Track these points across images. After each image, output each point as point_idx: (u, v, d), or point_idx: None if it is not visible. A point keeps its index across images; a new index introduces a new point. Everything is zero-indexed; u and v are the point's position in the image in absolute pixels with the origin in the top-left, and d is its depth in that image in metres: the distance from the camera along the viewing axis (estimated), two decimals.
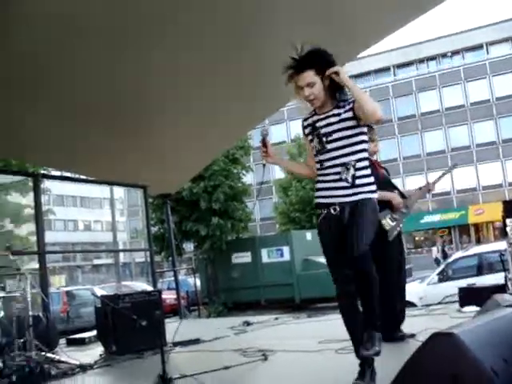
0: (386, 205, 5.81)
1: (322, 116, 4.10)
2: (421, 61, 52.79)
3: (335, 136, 4.03)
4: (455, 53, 51.35)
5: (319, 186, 4.22)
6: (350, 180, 4.03)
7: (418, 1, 6.63)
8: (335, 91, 4.04)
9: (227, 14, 5.96)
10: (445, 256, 32.16)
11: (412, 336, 5.71)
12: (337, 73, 3.88)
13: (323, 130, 4.08)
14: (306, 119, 4.23)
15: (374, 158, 6.19)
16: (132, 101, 7.47)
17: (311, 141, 4.16)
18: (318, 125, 4.12)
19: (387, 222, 5.82)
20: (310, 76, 3.94)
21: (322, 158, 4.12)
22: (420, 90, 50.69)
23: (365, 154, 4.09)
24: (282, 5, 5.95)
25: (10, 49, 5.76)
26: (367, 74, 54.04)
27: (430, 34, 76.54)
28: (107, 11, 5.62)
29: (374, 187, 4.13)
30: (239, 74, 6.78)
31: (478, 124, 47.66)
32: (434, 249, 38.91)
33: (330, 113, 4.07)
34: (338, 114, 4.02)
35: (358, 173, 4.05)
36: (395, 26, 7.11)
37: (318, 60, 3.96)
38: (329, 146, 4.06)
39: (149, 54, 6.52)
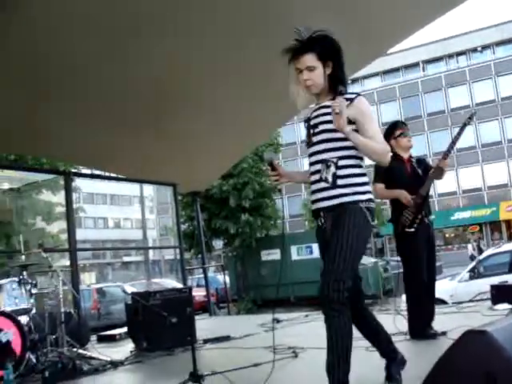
0: (398, 202, 5.84)
1: (316, 107, 3.77)
2: (450, 56, 52.33)
3: (320, 128, 3.66)
4: (485, 47, 50.77)
5: (311, 187, 3.77)
6: (330, 179, 3.57)
7: None
8: (336, 82, 3.68)
9: (254, 14, 5.97)
10: (480, 253, 31.78)
11: (443, 334, 5.66)
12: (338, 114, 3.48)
13: (312, 122, 3.73)
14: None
15: (408, 153, 6.16)
16: (161, 100, 7.50)
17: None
18: (310, 115, 3.78)
19: (404, 219, 5.80)
20: (310, 59, 3.59)
21: (308, 152, 3.76)
22: (450, 85, 50.23)
23: (351, 152, 3.61)
24: (311, 5, 5.93)
25: (35, 50, 5.83)
26: (396, 70, 53.74)
27: (459, 28, 75.75)
28: (132, 11, 5.66)
29: (363, 188, 3.63)
30: (267, 73, 6.76)
31: (509, 119, 47.12)
32: (469, 246, 38.33)
33: (324, 104, 3.71)
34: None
35: (341, 172, 3.57)
36: (424, 21, 7.05)
37: (322, 44, 3.62)
38: (314, 139, 3.70)
39: (177, 52, 6.54)
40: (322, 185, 3.61)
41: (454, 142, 6.02)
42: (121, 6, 5.51)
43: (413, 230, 5.77)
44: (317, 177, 3.65)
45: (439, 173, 5.91)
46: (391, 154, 6.11)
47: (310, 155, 3.72)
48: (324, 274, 3.47)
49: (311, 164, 3.73)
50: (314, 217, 3.74)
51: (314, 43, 3.61)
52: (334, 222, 3.57)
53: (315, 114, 3.73)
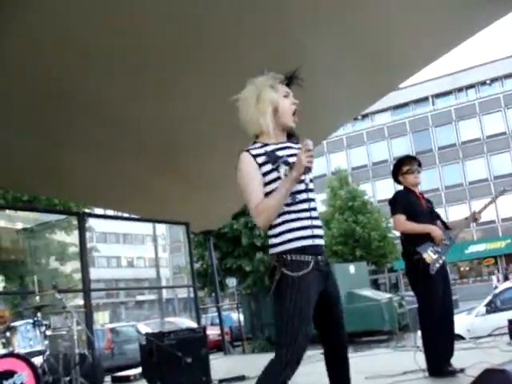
0: (427, 237, 5.74)
1: (281, 146, 3.48)
2: (459, 89, 52.56)
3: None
4: (494, 80, 51.01)
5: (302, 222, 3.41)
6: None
7: (457, 29, 6.61)
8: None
9: (268, 53, 6.02)
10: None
11: (462, 371, 5.56)
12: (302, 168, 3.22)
13: (289, 160, 3.39)
14: (253, 149, 3.48)
15: (417, 189, 6.12)
16: (174, 140, 7.55)
17: (274, 170, 3.38)
18: (281, 153, 3.43)
19: (428, 256, 5.69)
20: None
21: (300, 188, 3.40)
22: (460, 118, 50.38)
23: None
24: (324, 43, 5.97)
25: (48, 88, 5.88)
26: (406, 104, 53.97)
27: (468, 62, 76.15)
28: (146, 49, 5.73)
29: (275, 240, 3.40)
30: None
31: None
32: (494, 277, 37.73)
33: (293, 145, 3.51)
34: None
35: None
36: (435, 56, 7.10)
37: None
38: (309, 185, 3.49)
39: (190, 91, 6.59)
40: (320, 223, 3.49)
41: (491, 202, 6.08)
42: (142, 42, 5.57)
43: (435, 269, 5.66)
44: (312, 214, 3.43)
45: (469, 224, 5.97)
46: (402, 188, 6.16)
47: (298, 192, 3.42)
48: (340, 321, 3.51)
49: (305, 201, 3.42)
50: (311, 253, 3.36)
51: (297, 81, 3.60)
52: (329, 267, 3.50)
53: (290, 152, 3.46)
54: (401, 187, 6.22)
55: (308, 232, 3.37)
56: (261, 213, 3.31)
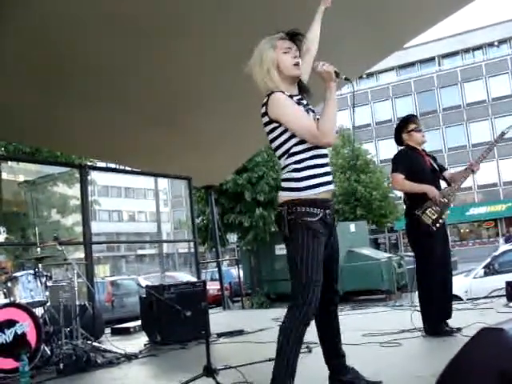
0: (425, 197, 5.73)
1: (299, 97, 3.68)
2: (466, 50, 51.99)
3: None
4: (502, 42, 50.40)
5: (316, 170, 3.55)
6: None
7: None
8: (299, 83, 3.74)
9: (267, 12, 5.95)
10: None
11: (458, 330, 5.62)
12: (330, 73, 3.43)
13: (312, 108, 3.67)
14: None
15: (421, 148, 6.10)
16: (176, 95, 7.51)
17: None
18: (303, 102, 3.66)
19: (427, 216, 5.69)
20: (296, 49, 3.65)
21: None
22: (465, 80, 49.93)
23: None
24: None
25: (50, 46, 5.86)
26: (412, 64, 53.50)
27: (476, 23, 75.15)
28: (150, 11, 5.67)
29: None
30: None
31: None
32: (501, 240, 37.48)
33: (304, 98, 3.72)
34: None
35: None
36: (441, 15, 7.01)
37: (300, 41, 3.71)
38: None
39: (190, 51, 6.56)
40: (330, 170, 3.64)
41: (489, 149, 5.97)
42: (142, 6, 5.52)
43: (435, 228, 5.69)
44: (327, 160, 3.62)
45: (468, 175, 5.89)
46: (404, 146, 6.12)
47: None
48: (335, 275, 3.74)
49: (324, 155, 3.60)
50: (321, 207, 3.50)
51: (300, 37, 3.70)
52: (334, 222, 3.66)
53: (306, 102, 3.69)
54: (400, 148, 6.22)
55: (327, 179, 3.55)
56: (328, 130, 3.43)
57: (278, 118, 3.49)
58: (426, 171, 5.87)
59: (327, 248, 3.56)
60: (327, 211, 3.52)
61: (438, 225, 5.68)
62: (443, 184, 6.01)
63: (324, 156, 3.58)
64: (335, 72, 3.42)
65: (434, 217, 5.67)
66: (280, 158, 3.61)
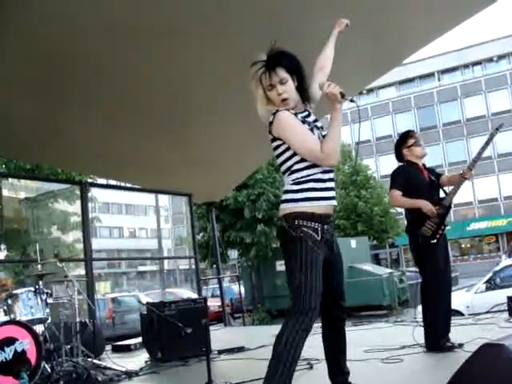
0: (418, 212, 5.74)
1: (305, 114, 3.66)
2: (466, 66, 52.16)
3: None
4: (501, 57, 50.60)
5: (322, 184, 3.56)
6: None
7: (465, 4, 6.54)
8: (305, 93, 3.72)
9: (268, 26, 5.97)
10: None
11: (460, 346, 5.59)
12: (336, 95, 3.39)
13: (318, 125, 3.65)
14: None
15: (421, 162, 6.12)
16: (177, 111, 7.54)
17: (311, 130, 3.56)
18: (308, 120, 3.63)
19: (426, 229, 5.71)
20: (282, 72, 3.54)
21: None
22: (465, 95, 50.07)
23: None
24: (326, 15, 5.92)
25: (51, 61, 5.86)
26: (412, 80, 53.67)
27: (475, 39, 75.56)
28: (151, 24, 5.69)
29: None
30: None
31: None
32: (503, 256, 37.15)
33: (310, 111, 3.73)
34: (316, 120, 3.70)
35: None
36: (441, 31, 7.04)
37: (287, 58, 3.60)
38: None
39: (191, 65, 6.57)
40: (332, 185, 3.61)
41: (480, 153, 5.93)
42: (142, 7, 5.53)
43: (435, 241, 5.70)
44: (332, 176, 3.60)
45: (461, 183, 5.86)
46: (405, 162, 6.13)
47: None
48: (340, 291, 3.68)
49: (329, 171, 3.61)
50: (319, 221, 3.47)
51: (280, 58, 3.59)
52: (333, 238, 3.65)
53: (313, 118, 3.68)
54: (399, 164, 6.23)
55: (327, 194, 3.53)
56: (331, 153, 3.43)
57: (281, 137, 3.51)
58: (424, 186, 5.88)
59: (330, 263, 3.55)
60: (325, 226, 3.50)
61: (437, 236, 5.70)
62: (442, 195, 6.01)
63: (328, 172, 3.56)
64: (341, 93, 3.41)
65: (433, 229, 5.69)
66: (283, 173, 3.62)
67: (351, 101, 3.47)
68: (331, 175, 3.60)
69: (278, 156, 3.60)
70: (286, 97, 3.57)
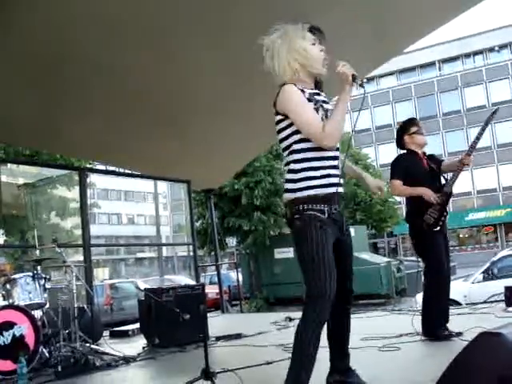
0: (424, 200, 5.74)
1: (314, 91, 3.64)
2: (467, 55, 52.04)
3: None
4: (503, 47, 50.48)
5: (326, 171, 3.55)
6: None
7: None
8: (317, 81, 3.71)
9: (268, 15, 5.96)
10: None
11: (458, 335, 5.59)
12: (348, 76, 3.41)
13: (325, 106, 3.60)
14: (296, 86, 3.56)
15: (422, 150, 6.12)
16: (176, 99, 7.52)
17: (316, 110, 3.53)
18: (317, 98, 3.61)
19: (429, 217, 5.72)
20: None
21: None
22: (466, 85, 49.98)
23: None
24: (327, 3, 5.91)
25: (51, 49, 5.86)
26: (412, 68, 53.56)
27: (477, 28, 75.26)
28: (162, 12, 5.68)
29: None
30: None
31: None
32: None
33: (322, 93, 3.69)
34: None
35: None
36: (442, 20, 7.01)
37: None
38: None
39: (190, 55, 6.56)
40: (339, 172, 3.59)
41: (478, 138, 5.90)
42: (142, 4, 5.53)
43: (438, 228, 5.72)
44: (336, 163, 3.58)
45: (461, 169, 5.86)
46: (405, 150, 6.13)
47: None
48: (349, 273, 3.87)
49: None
50: (324, 203, 3.47)
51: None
52: (343, 218, 3.65)
53: (322, 98, 3.65)
54: (400, 152, 6.23)
55: (327, 180, 3.50)
56: (331, 133, 3.40)
57: (284, 111, 3.49)
58: (424, 174, 5.88)
59: (339, 245, 3.58)
60: (332, 206, 3.50)
61: (440, 223, 5.73)
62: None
63: (327, 158, 3.53)
64: (353, 75, 3.41)
65: (435, 216, 5.69)
66: (283, 151, 3.63)
67: (361, 85, 3.47)
68: (332, 162, 3.55)
69: (279, 132, 3.59)
70: (325, 57, 3.58)
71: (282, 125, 3.54)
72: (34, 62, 6.00)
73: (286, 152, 3.56)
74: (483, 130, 5.80)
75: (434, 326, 5.66)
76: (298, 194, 3.46)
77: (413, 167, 5.87)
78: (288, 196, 3.53)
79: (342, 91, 3.46)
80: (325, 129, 3.39)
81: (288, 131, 3.52)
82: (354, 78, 3.41)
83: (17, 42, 5.56)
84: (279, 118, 3.55)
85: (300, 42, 3.54)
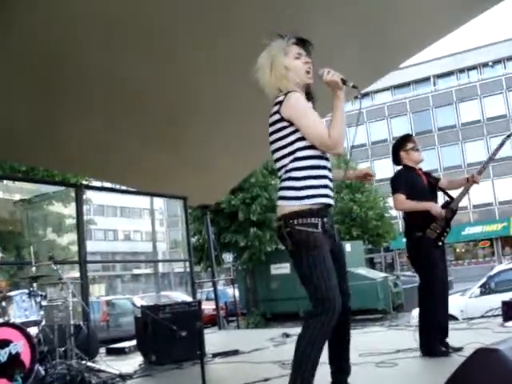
0: (428, 215, 5.72)
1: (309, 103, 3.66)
2: (461, 70, 52.32)
3: None
4: (497, 62, 50.78)
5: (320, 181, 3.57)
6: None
7: (461, 10, 6.55)
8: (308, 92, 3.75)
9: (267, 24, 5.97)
10: None
11: (458, 350, 5.57)
12: (337, 82, 3.47)
13: None
14: None
15: (418, 166, 6.13)
16: (172, 114, 7.51)
17: None
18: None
19: (431, 231, 5.72)
20: (310, 52, 3.69)
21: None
22: (460, 99, 50.18)
23: None
24: (325, 19, 5.93)
25: (47, 62, 5.86)
26: (407, 84, 53.76)
27: (471, 43, 75.75)
28: (147, 25, 5.69)
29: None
30: None
31: None
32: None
33: (313, 104, 3.70)
34: None
35: None
36: (437, 36, 7.05)
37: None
38: None
39: (188, 67, 6.56)
40: (330, 183, 3.60)
41: (490, 158, 5.97)
42: (142, 8, 5.54)
43: (440, 243, 5.72)
44: (329, 174, 3.60)
45: (470, 187, 5.89)
46: (401, 166, 6.15)
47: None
48: (346, 288, 3.80)
49: (327, 158, 3.64)
50: (317, 216, 3.46)
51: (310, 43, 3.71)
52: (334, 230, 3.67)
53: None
54: (397, 168, 6.24)
55: (325, 190, 3.53)
56: (338, 138, 3.44)
57: (291, 118, 3.49)
58: (425, 190, 5.89)
59: (333, 254, 3.56)
60: (325, 219, 3.50)
61: (442, 238, 5.74)
62: (440, 200, 6.03)
63: (324, 168, 3.56)
64: (342, 79, 3.43)
65: (438, 232, 5.70)
66: (280, 159, 3.58)
67: (353, 87, 3.48)
68: (329, 173, 3.61)
69: (279, 139, 3.56)
70: (310, 68, 3.63)
71: (285, 131, 3.52)
72: (34, 62, 5.98)
73: (287, 160, 3.53)
74: (497, 150, 5.87)
75: (432, 342, 5.64)
76: (300, 203, 3.45)
77: (414, 183, 5.88)
78: (287, 204, 3.49)
79: (336, 98, 3.49)
80: (331, 136, 3.41)
81: (292, 137, 3.51)
82: (343, 81, 3.44)
83: (17, 42, 5.56)
84: (283, 124, 3.53)
85: (282, 60, 3.60)
